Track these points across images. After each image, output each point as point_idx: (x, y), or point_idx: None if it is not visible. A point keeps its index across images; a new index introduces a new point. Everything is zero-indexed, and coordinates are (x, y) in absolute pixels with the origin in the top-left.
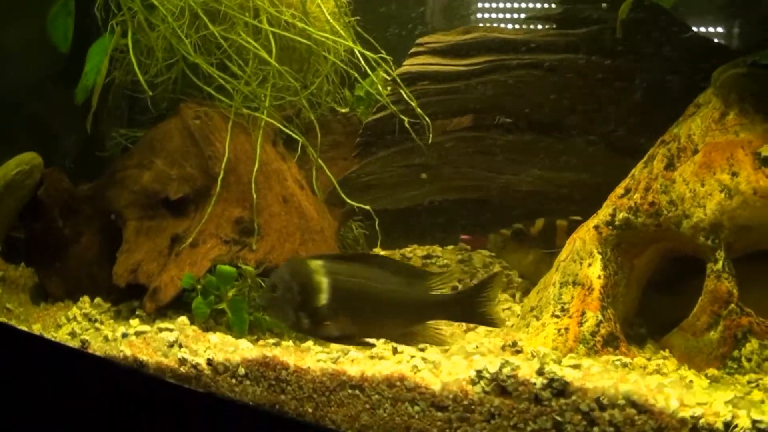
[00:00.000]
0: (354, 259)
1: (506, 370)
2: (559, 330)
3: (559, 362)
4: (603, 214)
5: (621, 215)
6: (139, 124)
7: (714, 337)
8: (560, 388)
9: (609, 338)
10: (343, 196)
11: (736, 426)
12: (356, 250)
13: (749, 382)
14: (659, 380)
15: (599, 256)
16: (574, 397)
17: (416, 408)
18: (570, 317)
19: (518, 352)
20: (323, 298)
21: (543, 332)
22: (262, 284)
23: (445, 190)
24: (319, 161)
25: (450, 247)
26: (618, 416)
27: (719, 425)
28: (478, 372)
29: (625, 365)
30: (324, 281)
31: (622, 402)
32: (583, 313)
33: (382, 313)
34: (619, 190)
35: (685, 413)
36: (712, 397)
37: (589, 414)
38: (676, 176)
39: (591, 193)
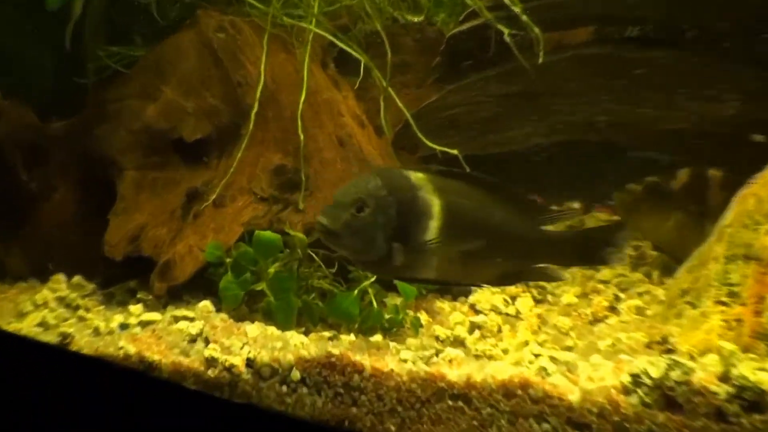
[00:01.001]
0: (460, 176)
1: (675, 375)
2: (727, 322)
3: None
4: None
5: None
6: (141, 40)
7: None
8: (754, 400)
9: None
10: (419, 135)
11: None
12: None
13: None
14: None
15: None
16: None
17: (545, 427)
18: (743, 304)
19: (670, 351)
20: (433, 225)
21: (704, 325)
22: (314, 256)
23: (556, 130)
24: (388, 89)
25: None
26: None
27: None
28: (635, 377)
29: None
30: (435, 202)
31: None
32: (761, 299)
33: (491, 249)
34: None
35: None
36: None
37: None
38: None
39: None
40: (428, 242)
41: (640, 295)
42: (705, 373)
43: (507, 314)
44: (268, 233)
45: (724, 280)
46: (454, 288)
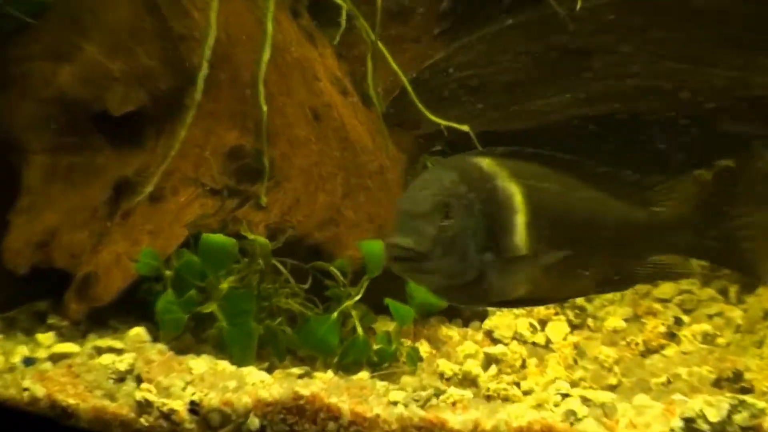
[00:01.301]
0: (531, 157)
1: (741, 418)
2: None
3: None
4: None
5: None
6: None
7: None
8: None
9: None
10: (419, 106)
11: None
12: None
13: None
14: None
15: None
16: None
17: None
18: None
19: (746, 390)
20: (520, 221)
21: None
22: (280, 267)
23: (601, 98)
24: (378, 43)
25: None
26: None
27: None
28: (688, 422)
29: None
30: (515, 190)
31: None
32: None
33: (593, 245)
34: None
35: None
36: None
37: None
38: None
39: None
40: (514, 242)
41: (710, 317)
42: None
43: (534, 344)
44: (219, 236)
45: None
46: (465, 310)
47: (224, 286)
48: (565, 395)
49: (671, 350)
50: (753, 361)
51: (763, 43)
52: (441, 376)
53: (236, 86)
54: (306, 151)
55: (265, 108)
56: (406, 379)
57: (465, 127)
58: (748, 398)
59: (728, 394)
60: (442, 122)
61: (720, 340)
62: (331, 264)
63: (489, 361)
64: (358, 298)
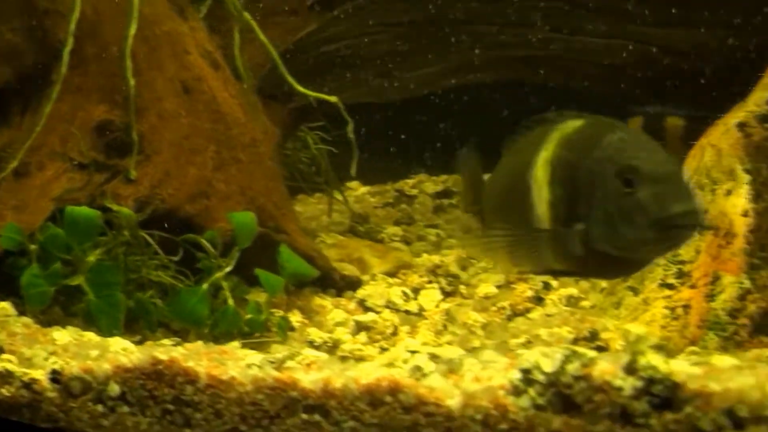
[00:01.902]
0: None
1: (572, 368)
2: (672, 309)
3: (664, 354)
4: (755, 101)
5: None
6: None
7: None
8: (666, 395)
9: (765, 320)
10: (290, 80)
11: None
12: (315, 180)
13: None
14: None
15: (746, 177)
16: (689, 409)
17: None
18: (693, 286)
19: (601, 348)
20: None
21: (645, 314)
22: (148, 239)
23: (475, 66)
24: (246, 16)
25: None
26: None
27: None
28: (525, 373)
29: None
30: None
31: None
32: (716, 279)
33: None
34: None
35: None
36: None
37: None
38: None
39: (732, 68)
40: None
41: (577, 282)
42: (610, 364)
43: (407, 311)
44: (83, 209)
45: (673, 258)
46: (340, 280)
47: (91, 258)
48: (414, 352)
49: (536, 313)
50: (611, 322)
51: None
52: (311, 344)
53: (104, 61)
54: (176, 124)
55: (132, 82)
56: (276, 348)
57: (333, 99)
58: (579, 348)
59: (562, 345)
60: (310, 93)
61: (584, 303)
62: (202, 236)
63: (359, 328)
64: (228, 269)
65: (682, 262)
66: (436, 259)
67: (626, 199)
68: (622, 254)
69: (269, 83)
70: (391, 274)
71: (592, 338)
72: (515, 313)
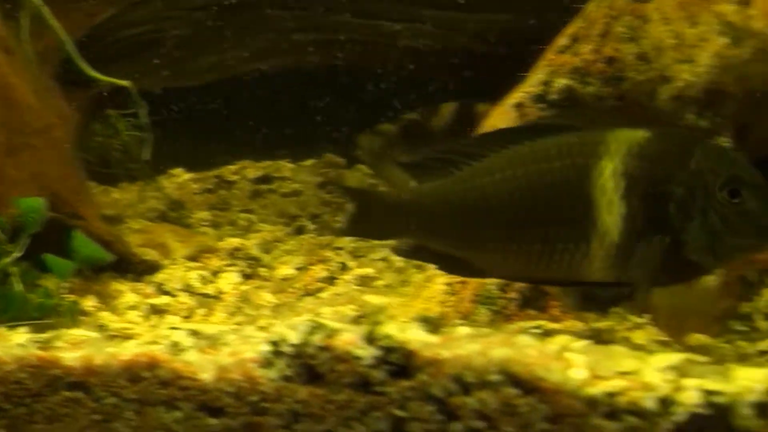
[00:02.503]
0: None
1: (317, 339)
2: (450, 285)
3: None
4: (531, 82)
5: (560, 82)
6: None
7: (711, 285)
8: (401, 363)
9: (532, 294)
10: (81, 65)
11: (677, 403)
12: (126, 167)
13: (763, 352)
14: (566, 342)
15: None
16: (422, 376)
17: (176, 415)
18: None
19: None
20: None
21: (426, 291)
22: None
23: (276, 53)
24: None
25: (308, 162)
26: (490, 401)
27: (649, 404)
28: (274, 345)
29: (548, 335)
30: None
31: (496, 378)
32: None
33: None
34: (562, 39)
35: (596, 389)
36: (644, 362)
37: (446, 402)
38: (651, 11)
39: (527, 50)
40: None
41: (374, 261)
42: (351, 335)
43: (205, 294)
44: None
45: None
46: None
47: None
48: (175, 329)
49: (327, 293)
50: (396, 299)
51: None
52: (102, 328)
53: None
54: None
55: None
56: (67, 334)
57: (125, 83)
58: (323, 320)
59: (307, 317)
60: (103, 78)
61: (379, 282)
62: None
63: (154, 311)
64: (17, 255)
65: None
66: (236, 242)
67: (733, 209)
68: (717, 262)
69: (70, 68)
70: (193, 258)
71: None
72: (307, 293)
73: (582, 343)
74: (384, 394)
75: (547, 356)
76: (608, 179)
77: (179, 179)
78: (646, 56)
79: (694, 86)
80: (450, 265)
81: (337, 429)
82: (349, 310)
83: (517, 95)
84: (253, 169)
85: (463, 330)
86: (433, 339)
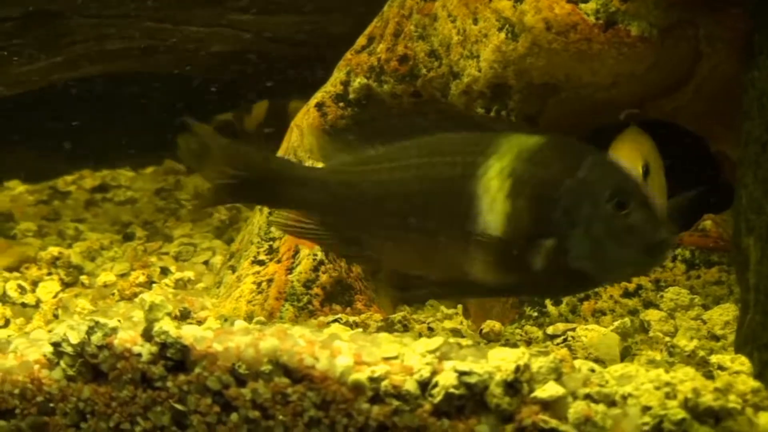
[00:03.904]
0: None
1: (96, 338)
2: (258, 285)
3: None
4: (332, 82)
5: (358, 81)
6: None
7: None
8: (178, 359)
9: (336, 289)
10: None
11: (436, 385)
12: None
13: (553, 336)
14: (337, 331)
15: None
16: (198, 370)
17: None
18: (279, 261)
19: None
20: None
21: (236, 290)
22: None
23: (80, 62)
24: None
25: (149, 170)
26: (264, 391)
27: (410, 386)
28: (56, 346)
29: (351, 327)
30: None
31: (267, 368)
32: (297, 252)
33: None
34: (361, 40)
35: (361, 375)
36: (408, 347)
37: (222, 394)
38: (438, 9)
39: (339, 51)
40: None
41: (199, 265)
42: (130, 332)
43: (23, 304)
44: None
45: (266, 235)
46: None
47: None
48: None
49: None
50: (210, 300)
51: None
52: None
53: None
54: None
55: None
56: None
57: None
58: (102, 319)
59: (87, 317)
60: None
61: (199, 285)
62: None
63: None
64: None
65: (273, 239)
66: (57, 251)
67: (619, 221)
68: (600, 273)
69: None
70: (13, 268)
71: (183, 316)
72: (123, 298)
73: (352, 332)
74: (164, 389)
75: (316, 345)
76: (493, 178)
77: (14, 191)
78: (435, 53)
79: (479, 81)
80: (338, 246)
81: (122, 425)
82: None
83: (319, 95)
84: (90, 179)
85: (240, 324)
86: (207, 333)
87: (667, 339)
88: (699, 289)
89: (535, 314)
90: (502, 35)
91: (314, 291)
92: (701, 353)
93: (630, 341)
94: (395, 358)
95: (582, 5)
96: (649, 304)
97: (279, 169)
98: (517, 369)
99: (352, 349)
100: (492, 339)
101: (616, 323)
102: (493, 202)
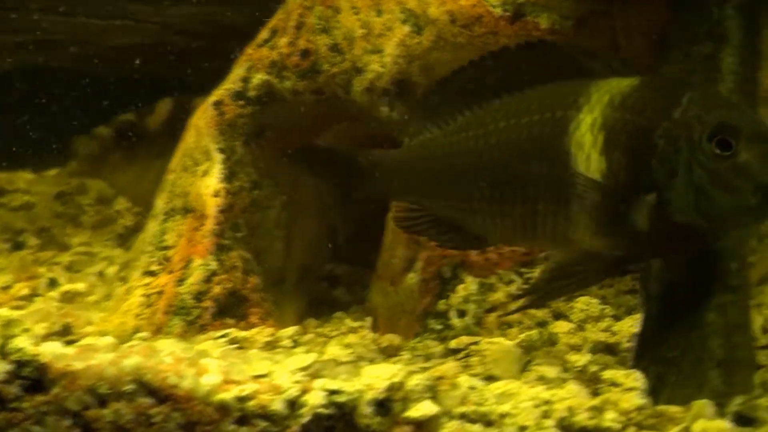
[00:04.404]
0: None
1: None
2: (148, 297)
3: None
4: (231, 78)
5: (258, 78)
6: None
7: (413, 282)
8: (34, 377)
9: (230, 302)
10: None
11: (304, 404)
12: None
13: (455, 351)
14: (207, 348)
15: (219, 156)
16: (57, 390)
17: None
18: (171, 272)
19: (72, 342)
20: None
21: (125, 304)
22: None
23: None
24: None
25: (53, 172)
26: (126, 411)
27: (278, 406)
28: None
29: (234, 343)
30: None
31: (130, 387)
32: (188, 263)
33: None
34: (263, 33)
35: (227, 394)
36: (279, 364)
37: (82, 416)
38: (342, 0)
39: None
40: None
41: (92, 276)
42: None
43: None
44: None
45: (159, 243)
46: None
47: None
48: None
49: (24, 311)
50: (98, 314)
51: None
52: None
53: None
54: None
55: None
56: None
57: None
58: None
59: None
60: None
61: (91, 298)
62: None
63: None
64: None
65: (167, 248)
66: None
67: (724, 163)
68: (710, 226)
69: None
70: None
71: (64, 332)
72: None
73: (223, 349)
74: (20, 410)
75: (182, 363)
76: (586, 132)
77: None
78: (338, 47)
79: (383, 77)
80: (448, 236)
81: None
82: (40, 329)
83: (218, 92)
84: None
85: (106, 340)
86: (67, 350)
87: (572, 353)
88: (611, 298)
89: (439, 327)
90: (407, 28)
91: (205, 304)
92: (593, 368)
93: (534, 355)
94: (265, 376)
95: None
96: (559, 316)
97: (364, 160)
98: (390, 387)
99: (220, 367)
100: (391, 353)
101: (521, 336)
102: (587, 159)
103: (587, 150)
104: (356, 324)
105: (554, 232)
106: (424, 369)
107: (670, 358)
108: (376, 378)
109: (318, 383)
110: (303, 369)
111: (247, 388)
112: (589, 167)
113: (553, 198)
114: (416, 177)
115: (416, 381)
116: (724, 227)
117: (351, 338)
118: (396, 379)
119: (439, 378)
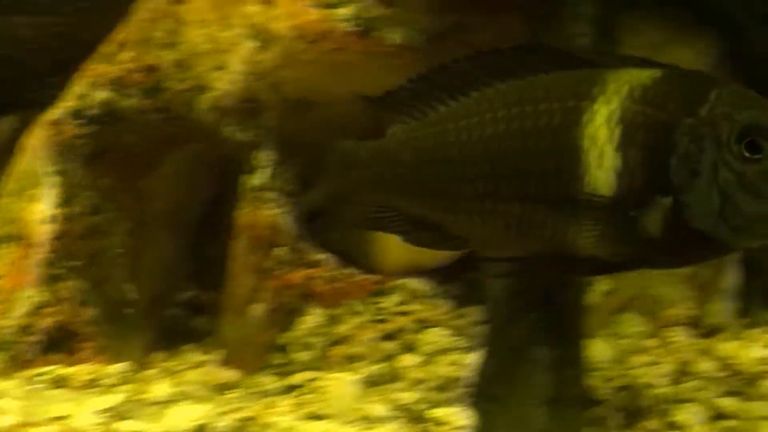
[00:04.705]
0: None
1: None
2: None
3: None
4: (69, 95)
5: (98, 95)
6: None
7: (258, 314)
8: None
9: (60, 335)
10: None
11: None
12: None
13: (293, 387)
14: (6, 388)
15: (53, 180)
16: None
17: None
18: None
19: None
20: None
21: None
22: None
23: None
24: None
25: None
26: None
27: None
28: None
29: (56, 381)
30: None
31: None
32: (14, 293)
33: None
34: (106, 47)
35: None
36: (82, 405)
37: None
38: (189, 12)
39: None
40: None
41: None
42: None
43: None
44: None
45: None
46: None
47: None
48: None
49: None
50: None
51: None
52: None
53: None
54: None
55: None
56: None
57: None
58: None
59: None
60: None
61: None
62: None
63: None
64: None
65: None
66: None
67: (752, 166)
68: (728, 234)
69: None
70: None
71: None
72: None
73: (30, 388)
74: None
75: None
76: (601, 126)
77: None
78: (183, 63)
79: (229, 95)
80: (423, 233)
81: None
82: None
83: (55, 111)
84: None
85: None
86: None
87: (410, 389)
88: (464, 329)
89: (283, 361)
90: (253, 44)
91: (30, 338)
92: (422, 407)
93: (370, 392)
94: (65, 417)
95: (336, 11)
96: (408, 348)
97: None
98: (200, 428)
99: (21, 408)
100: (225, 390)
101: (366, 371)
102: (601, 156)
103: (601, 145)
104: (205, 357)
105: (553, 237)
106: (242, 408)
107: (499, 395)
108: (182, 419)
109: (121, 425)
110: (107, 410)
111: (45, 431)
112: (602, 164)
113: (557, 199)
114: (393, 171)
115: (225, 422)
116: (747, 237)
117: (191, 374)
118: (203, 421)
119: (249, 419)
